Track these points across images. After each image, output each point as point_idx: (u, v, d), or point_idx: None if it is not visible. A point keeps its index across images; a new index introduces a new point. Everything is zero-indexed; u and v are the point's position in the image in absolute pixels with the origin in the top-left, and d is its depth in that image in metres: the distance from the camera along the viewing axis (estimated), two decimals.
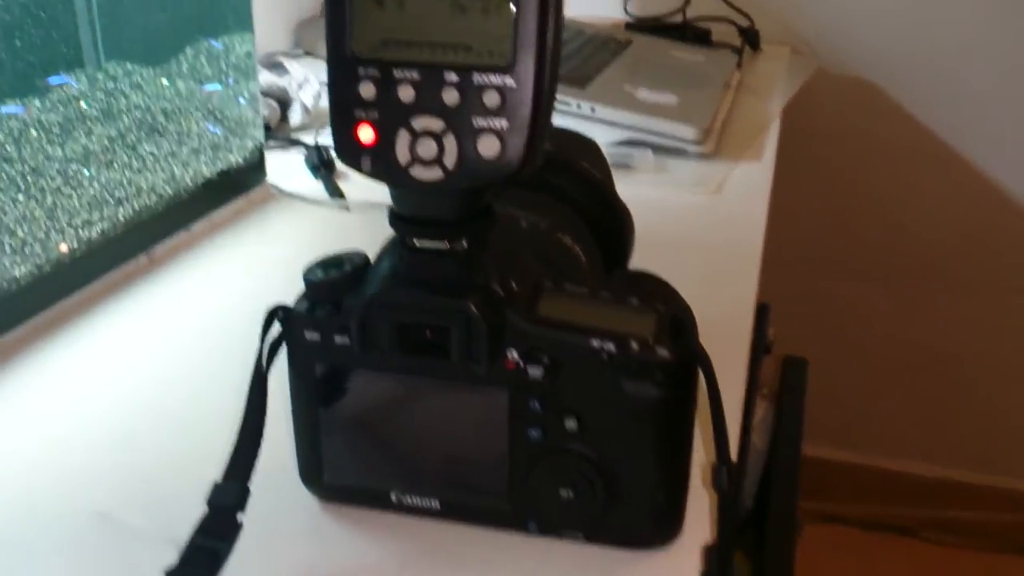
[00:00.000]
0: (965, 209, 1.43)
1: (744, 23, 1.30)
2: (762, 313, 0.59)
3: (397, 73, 0.30)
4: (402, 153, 0.31)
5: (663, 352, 0.32)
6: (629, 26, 1.30)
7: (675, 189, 0.80)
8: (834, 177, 1.44)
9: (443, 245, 0.33)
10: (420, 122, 0.31)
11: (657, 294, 0.35)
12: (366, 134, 0.31)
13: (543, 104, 0.30)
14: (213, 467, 0.35)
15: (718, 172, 0.83)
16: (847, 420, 1.49)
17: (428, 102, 0.30)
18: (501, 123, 0.30)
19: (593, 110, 0.88)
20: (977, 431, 1.53)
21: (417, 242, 0.33)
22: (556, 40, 0.30)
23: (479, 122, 0.30)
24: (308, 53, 1.21)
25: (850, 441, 1.52)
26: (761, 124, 0.98)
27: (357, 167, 0.32)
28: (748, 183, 0.82)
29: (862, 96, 1.39)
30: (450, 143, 0.30)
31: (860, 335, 1.48)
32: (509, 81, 0.30)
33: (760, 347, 0.56)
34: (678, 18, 1.30)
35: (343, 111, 0.31)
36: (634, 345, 0.32)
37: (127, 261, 0.61)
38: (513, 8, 0.29)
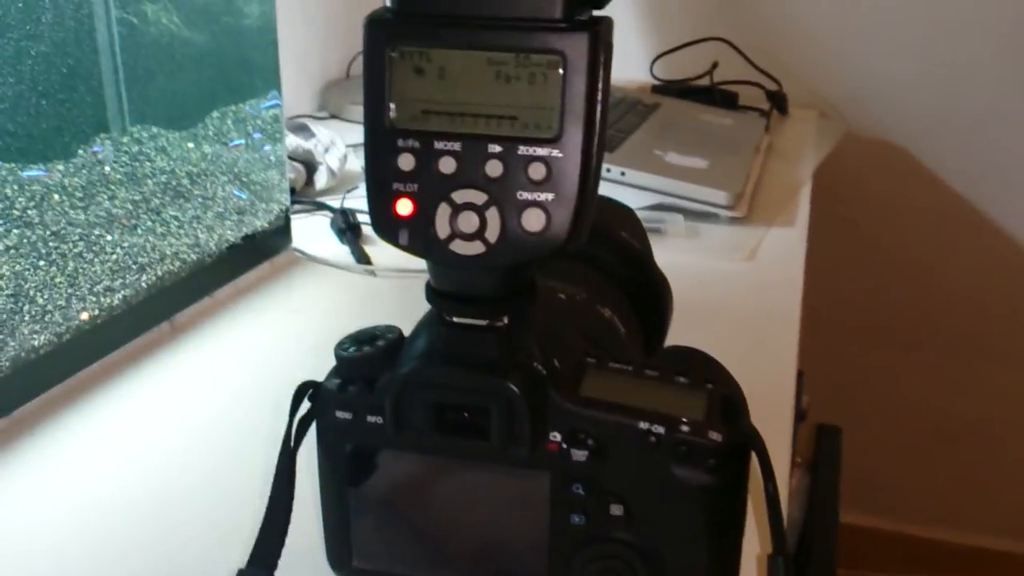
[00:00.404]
0: (997, 276, 1.41)
1: (772, 87, 1.30)
2: (798, 380, 0.57)
3: (438, 145, 0.29)
4: (442, 227, 0.29)
5: (715, 435, 0.30)
6: (656, 89, 1.30)
7: (708, 255, 0.78)
8: (866, 242, 1.42)
9: (483, 322, 0.31)
10: (461, 195, 0.29)
11: (705, 372, 0.33)
12: (404, 207, 0.30)
13: (590, 176, 0.29)
14: (237, 546, 0.34)
15: (751, 237, 0.81)
16: (881, 487, 1.45)
17: (470, 175, 0.29)
18: (547, 196, 0.29)
19: (623, 174, 0.87)
20: (1011, 499, 1.48)
21: (456, 319, 0.31)
22: (604, 110, 0.29)
23: (523, 195, 0.29)
24: (334, 116, 1.22)
25: (885, 508, 1.48)
26: (793, 188, 0.97)
27: (394, 242, 0.30)
28: (782, 248, 0.80)
29: (892, 160, 1.37)
30: (492, 217, 0.29)
31: (893, 402, 1.45)
32: (556, 153, 0.28)
33: (796, 415, 0.54)
34: (705, 81, 1.30)
35: (381, 184, 0.30)
36: (685, 427, 0.31)
37: (149, 329, 0.59)
38: (561, 78, 0.28)
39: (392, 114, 0.29)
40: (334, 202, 0.85)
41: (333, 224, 0.80)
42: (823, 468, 0.91)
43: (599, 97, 0.28)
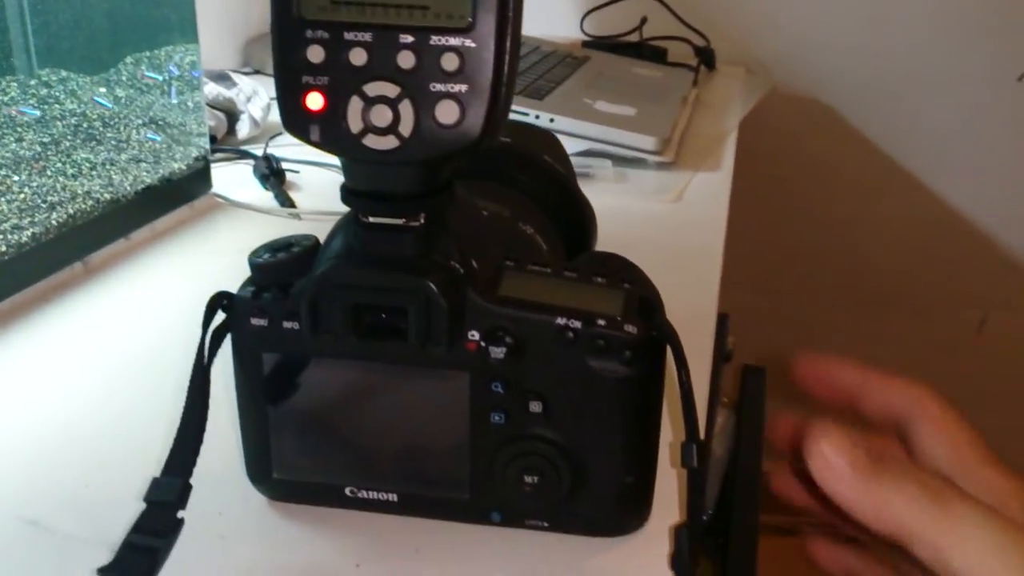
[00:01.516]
0: (919, 232, 1.45)
1: (700, 43, 1.31)
2: (722, 322, 0.58)
3: (348, 36, 0.28)
4: (354, 121, 0.29)
5: (631, 329, 0.31)
6: (586, 44, 1.30)
7: (636, 197, 0.79)
8: (790, 195, 1.45)
9: (399, 221, 0.31)
10: (373, 88, 0.29)
11: (623, 274, 0.34)
12: (315, 101, 0.29)
13: (505, 68, 0.29)
14: (154, 470, 0.33)
15: (678, 181, 0.82)
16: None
17: (382, 66, 0.28)
18: (460, 88, 0.28)
19: (552, 120, 0.86)
20: None
21: (371, 218, 0.31)
22: (518, 1, 0.29)
23: (437, 87, 0.28)
24: (257, 71, 1.19)
25: None
26: (719, 137, 0.98)
27: (305, 137, 0.29)
28: (708, 191, 0.81)
29: (817, 117, 1.40)
30: (406, 110, 0.29)
31: (817, 349, 1.49)
32: (469, 43, 0.28)
33: (721, 355, 0.55)
34: (634, 37, 1.30)
35: (290, 78, 0.29)
36: (601, 322, 0.31)
37: (61, 269, 0.58)
38: None
39: (300, 4, 0.28)
40: (257, 150, 0.83)
41: (256, 170, 0.78)
42: (747, 407, 0.93)
43: None
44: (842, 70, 1.38)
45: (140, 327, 0.53)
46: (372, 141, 0.29)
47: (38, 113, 0.61)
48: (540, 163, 0.47)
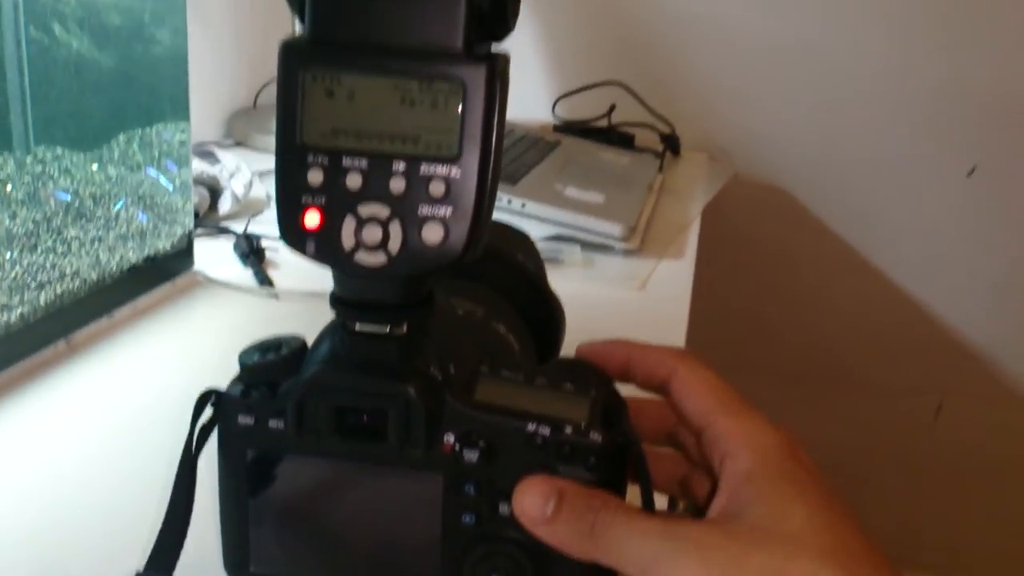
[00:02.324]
0: (873, 314, 1.50)
1: (665, 129, 1.36)
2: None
3: (346, 161, 0.31)
4: (347, 238, 0.31)
5: (596, 436, 0.33)
6: (557, 128, 1.35)
7: (603, 284, 0.82)
8: (751, 279, 1.50)
9: (383, 329, 0.33)
10: (366, 209, 0.31)
11: (591, 381, 0.36)
12: (312, 219, 0.32)
13: (486, 194, 0.31)
14: (136, 559, 0.34)
15: (643, 268, 0.86)
16: None
17: (375, 190, 0.31)
18: (446, 211, 0.31)
19: (524, 206, 0.90)
20: (887, 525, 1.56)
21: (358, 326, 0.33)
22: (500, 133, 0.32)
23: (424, 210, 0.31)
24: (240, 144, 1.22)
25: None
26: (682, 224, 1.02)
27: (302, 250, 0.32)
28: (671, 279, 0.85)
29: (776, 202, 1.46)
30: (395, 229, 0.31)
31: None
32: (455, 172, 0.31)
33: None
34: (603, 122, 1.35)
35: (290, 196, 0.32)
36: (568, 429, 0.33)
37: (46, 347, 0.59)
38: (460, 102, 0.30)
39: (303, 132, 0.31)
40: (238, 227, 0.85)
41: (236, 248, 0.81)
42: None
43: (495, 122, 0.31)
44: (800, 158, 1.44)
45: (122, 408, 0.55)
46: (363, 257, 0.31)
47: (69, 197, 0.63)
48: (514, 263, 0.50)
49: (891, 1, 1.35)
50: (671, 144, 1.34)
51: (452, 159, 0.31)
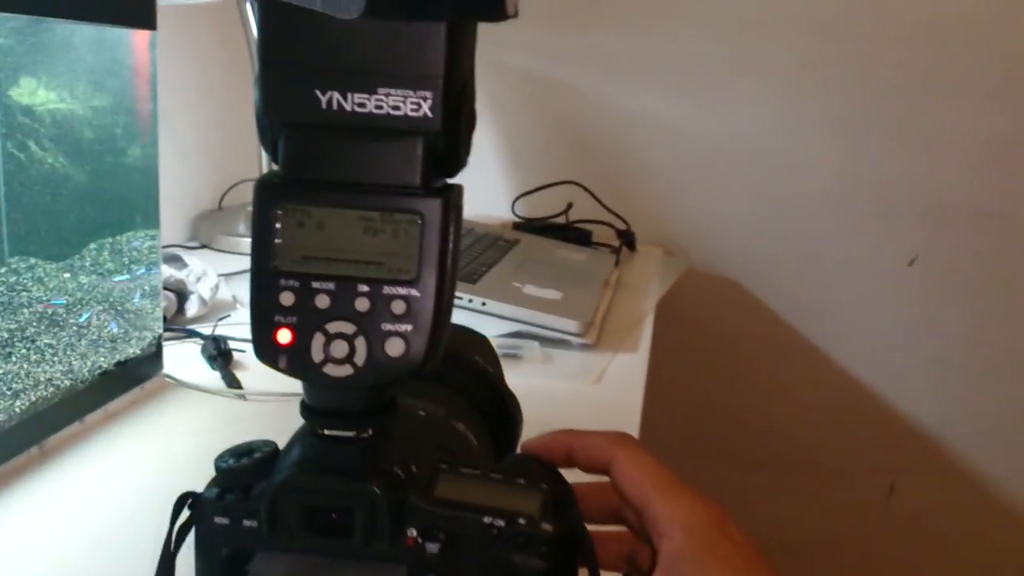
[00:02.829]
0: (826, 400, 1.55)
1: (621, 226, 1.42)
2: None
3: (315, 284, 0.35)
4: (316, 353, 0.35)
5: (547, 527, 0.36)
6: (516, 226, 1.40)
7: (560, 378, 0.86)
8: (708, 368, 1.54)
9: (350, 434, 0.36)
10: (334, 326, 0.35)
11: (542, 475, 0.39)
12: (284, 336, 0.35)
13: (443, 310, 0.35)
14: None
15: (599, 362, 0.89)
16: None
17: (342, 309, 0.35)
18: (407, 327, 0.35)
19: (484, 304, 0.94)
20: None
21: (326, 431, 0.36)
22: (455, 257, 0.35)
23: (387, 326, 0.35)
24: (205, 245, 1.25)
25: None
26: (637, 318, 1.06)
27: (274, 365, 0.35)
28: (626, 372, 0.88)
29: (729, 294, 1.51)
30: (360, 344, 0.35)
31: (740, 518, 1.54)
32: (414, 292, 0.34)
33: None
34: (561, 220, 1.41)
35: (264, 316, 0.35)
36: (521, 521, 0.36)
37: (19, 454, 0.61)
38: (419, 232, 0.34)
39: (276, 258, 0.35)
40: (205, 329, 0.88)
41: (204, 351, 0.83)
42: None
43: (450, 248, 0.35)
44: (750, 251, 1.51)
45: (95, 510, 0.56)
46: (331, 369, 0.35)
47: (65, 302, 0.66)
48: (472, 365, 0.53)
49: (835, 107, 1.44)
50: (627, 240, 1.40)
51: (411, 281, 0.34)
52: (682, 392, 1.51)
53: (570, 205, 1.40)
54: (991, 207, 1.44)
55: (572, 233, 1.37)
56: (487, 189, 1.47)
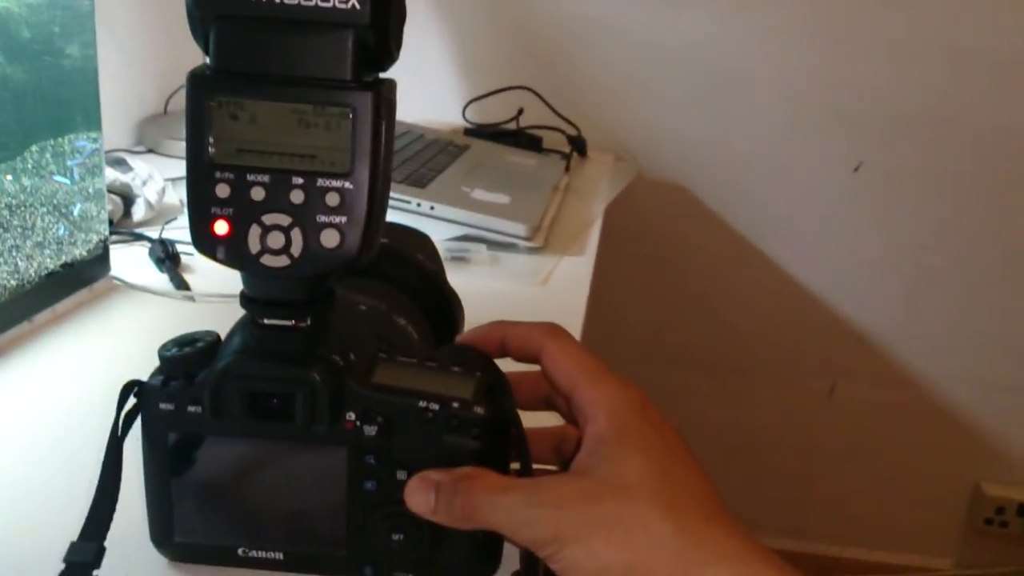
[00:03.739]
0: (772, 306, 1.59)
1: (572, 132, 1.42)
2: None
3: (250, 177, 0.35)
4: (253, 244, 0.36)
5: (479, 410, 0.38)
6: (467, 131, 1.39)
7: (507, 281, 0.87)
8: (655, 272, 1.57)
9: (289, 323, 0.37)
10: (270, 218, 0.36)
11: (477, 363, 0.41)
12: (221, 228, 0.36)
13: (377, 203, 0.36)
14: (70, 536, 0.38)
15: (546, 265, 0.91)
16: None
17: (277, 202, 0.36)
18: (341, 219, 0.36)
19: (432, 208, 0.95)
20: (784, 501, 1.66)
21: (266, 320, 0.38)
22: (388, 150, 0.36)
23: (322, 218, 0.36)
24: (151, 150, 1.24)
25: None
26: (586, 223, 1.08)
27: (212, 256, 0.36)
28: (572, 275, 0.90)
29: (678, 200, 1.53)
30: (296, 236, 0.36)
31: (681, 418, 1.60)
32: (348, 185, 0.35)
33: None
34: (512, 125, 1.41)
35: (201, 208, 0.36)
36: (455, 405, 0.38)
37: None
38: (351, 125, 0.35)
39: (211, 151, 0.35)
40: (152, 233, 0.88)
41: (152, 253, 0.83)
42: None
43: (383, 141, 0.36)
44: (700, 157, 1.53)
45: (46, 406, 0.58)
46: (268, 260, 0.36)
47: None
48: (414, 262, 0.55)
49: (784, 13, 1.44)
50: (577, 146, 1.40)
51: (345, 174, 0.35)
52: (628, 296, 1.55)
53: (521, 111, 1.40)
54: (936, 114, 1.46)
55: (523, 139, 1.37)
56: (437, 94, 1.45)
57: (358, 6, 0.33)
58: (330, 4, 0.34)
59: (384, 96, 0.35)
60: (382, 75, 0.37)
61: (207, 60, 0.35)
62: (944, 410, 1.62)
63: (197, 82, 0.35)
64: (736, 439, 1.62)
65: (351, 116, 0.35)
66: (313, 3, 0.33)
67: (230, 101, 0.35)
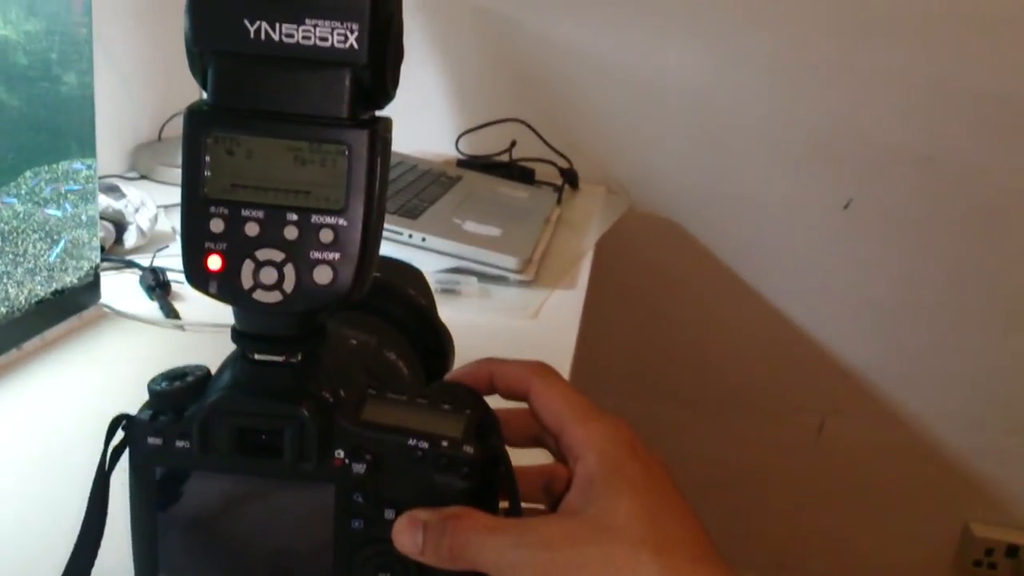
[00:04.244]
0: (760, 339, 1.59)
1: (564, 164, 1.43)
2: None
3: (245, 212, 0.35)
4: (246, 279, 0.36)
5: (468, 449, 0.38)
6: (460, 163, 1.40)
7: (498, 313, 0.88)
8: (645, 306, 1.58)
9: (280, 358, 0.37)
10: (263, 253, 0.36)
11: (467, 401, 0.41)
12: (214, 262, 0.36)
13: (370, 240, 0.36)
14: (55, 572, 0.37)
15: (536, 298, 0.91)
16: None
17: (271, 237, 0.36)
18: (334, 256, 0.36)
19: (424, 240, 0.95)
20: (773, 538, 1.65)
21: (256, 355, 0.37)
22: (382, 188, 0.36)
23: (315, 255, 0.36)
24: (144, 176, 1.24)
25: None
26: (577, 256, 1.08)
27: (205, 290, 0.36)
28: (562, 309, 0.90)
29: (669, 233, 1.54)
30: (289, 272, 0.36)
31: (668, 453, 1.59)
32: (342, 221, 0.35)
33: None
34: (505, 157, 1.41)
35: (194, 242, 0.36)
36: (444, 443, 0.38)
37: None
38: (346, 162, 0.35)
39: (206, 186, 0.35)
40: (144, 260, 0.88)
41: (142, 281, 0.83)
42: None
43: (377, 178, 0.36)
44: (690, 191, 1.54)
45: (33, 435, 0.57)
46: (260, 295, 0.36)
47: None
48: (405, 296, 0.54)
49: (772, 49, 1.46)
50: (569, 178, 1.41)
51: (339, 211, 0.35)
52: (618, 329, 1.55)
53: (513, 143, 1.41)
54: (924, 152, 1.47)
55: (515, 171, 1.37)
56: (431, 125, 1.46)
57: (356, 46, 0.34)
58: (328, 43, 0.34)
59: (380, 134, 0.36)
60: (378, 113, 0.37)
61: (204, 95, 0.35)
62: (933, 449, 1.62)
63: (194, 117, 0.35)
64: (724, 475, 1.62)
65: (347, 154, 0.35)
66: (312, 42, 0.34)
67: (226, 137, 0.35)
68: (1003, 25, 1.40)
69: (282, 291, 0.36)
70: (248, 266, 0.36)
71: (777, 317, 1.57)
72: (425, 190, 1.12)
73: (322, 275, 0.36)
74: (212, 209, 0.35)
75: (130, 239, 0.92)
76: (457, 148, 1.44)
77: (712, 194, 1.53)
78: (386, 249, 0.39)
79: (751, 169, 1.52)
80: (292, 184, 0.35)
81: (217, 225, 0.36)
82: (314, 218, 0.35)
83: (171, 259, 0.87)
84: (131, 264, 0.88)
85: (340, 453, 0.38)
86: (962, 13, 1.40)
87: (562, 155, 1.43)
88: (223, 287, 0.36)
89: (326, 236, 0.36)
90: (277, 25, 0.34)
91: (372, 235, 0.36)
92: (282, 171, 0.35)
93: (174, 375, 0.39)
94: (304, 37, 0.34)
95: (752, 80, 1.48)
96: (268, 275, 0.36)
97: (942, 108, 1.45)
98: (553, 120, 1.46)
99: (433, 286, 0.62)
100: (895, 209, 1.51)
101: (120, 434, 0.39)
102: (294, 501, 0.39)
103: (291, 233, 0.36)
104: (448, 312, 0.58)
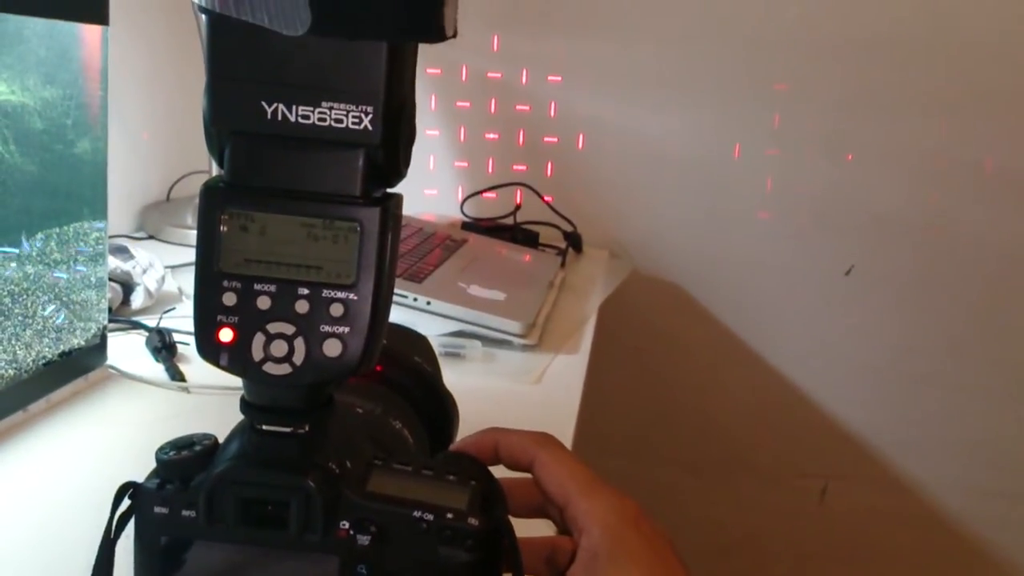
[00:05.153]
0: (762, 403, 1.59)
1: (568, 228, 1.45)
2: None
3: (257, 286, 0.36)
4: (256, 351, 0.36)
5: (474, 521, 0.38)
6: (465, 225, 1.42)
7: (501, 378, 0.88)
8: (647, 369, 1.58)
9: (287, 429, 0.38)
10: (274, 327, 0.36)
11: (472, 472, 0.41)
12: (226, 335, 0.36)
13: (379, 314, 0.37)
14: None
15: (540, 363, 0.92)
16: None
17: (282, 311, 0.36)
18: (344, 329, 0.36)
19: (429, 303, 0.96)
20: None
21: (264, 426, 0.38)
22: (392, 263, 0.37)
23: (325, 328, 0.36)
24: (152, 236, 1.25)
25: None
26: (580, 320, 1.09)
27: (216, 363, 0.37)
28: (566, 374, 0.91)
29: (671, 297, 1.55)
30: (299, 344, 0.36)
31: (670, 518, 1.58)
32: (352, 296, 0.36)
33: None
34: (510, 220, 1.43)
35: (207, 315, 0.36)
36: (449, 515, 0.38)
37: None
38: (358, 239, 0.36)
39: (220, 260, 0.36)
40: (150, 321, 0.89)
41: (148, 343, 0.84)
42: None
43: (387, 255, 0.37)
44: (692, 256, 1.55)
45: (35, 501, 0.57)
46: (270, 367, 0.36)
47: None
48: (411, 364, 0.55)
49: (775, 118, 1.48)
50: (573, 242, 1.42)
51: (350, 286, 0.36)
52: (621, 394, 1.55)
53: (518, 206, 1.43)
54: (926, 220, 1.49)
55: (520, 234, 1.39)
56: (438, 187, 1.48)
57: (370, 128, 0.35)
58: (343, 124, 0.35)
59: (391, 211, 0.36)
60: (389, 190, 0.38)
61: (217, 169, 0.36)
62: (935, 515, 1.60)
63: (210, 194, 0.36)
64: (727, 539, 1.60)
65: (359, 230, 0.36)
66: (327, 123, 0.35)
67: (241, 213, 0.36)
68: (1004, 96, 1.43)
69: (292, 363, 0.36)
70: (259, 339, 0.36)
71: (779, 382, 1.57)
72: (430, 253, 1.13)
73: (332, 348, 0.36)
74: (225, 283, 0.36)
75: (137, 300, 0.93)
76: (462, 211, 1.46)
77: (715, 258, 1.55)
78: (391, 312, 0.40)
79: (754, 234, 1.53)
80: (304, 259, 0.36)
81: (230, 299, 0.36)
82: (325, 292, 0.36)
83: (178, 320, 0.88)
84: (138, 325, 0.89)
85: (345, 524, 0.38)
86: (963, 85, 1.43)
87: (566, 219, 1.45)
88: (234, 359, 0.36)
89: (336, 310, 0.36)
90: (294, 107, 0.35)
91: (381, 309, 0.37)
92: (295, 247, 0.36)
93: (182, 444, 0.40)
94: (320, 119, 0.35)
95: (754, 147, 1.50)
96: (279, 348, 0.36)
97: (944, 177, 1.47)
98: (557, 184, 1.49)
99: (437, 349, 0.63)
100: (897, 275, 1.52)
101: (127, 502, 0.40)
102: (298, 572, 0.39)
103: (302, 307, 0.36)
104: (452, 376, 0.59)
